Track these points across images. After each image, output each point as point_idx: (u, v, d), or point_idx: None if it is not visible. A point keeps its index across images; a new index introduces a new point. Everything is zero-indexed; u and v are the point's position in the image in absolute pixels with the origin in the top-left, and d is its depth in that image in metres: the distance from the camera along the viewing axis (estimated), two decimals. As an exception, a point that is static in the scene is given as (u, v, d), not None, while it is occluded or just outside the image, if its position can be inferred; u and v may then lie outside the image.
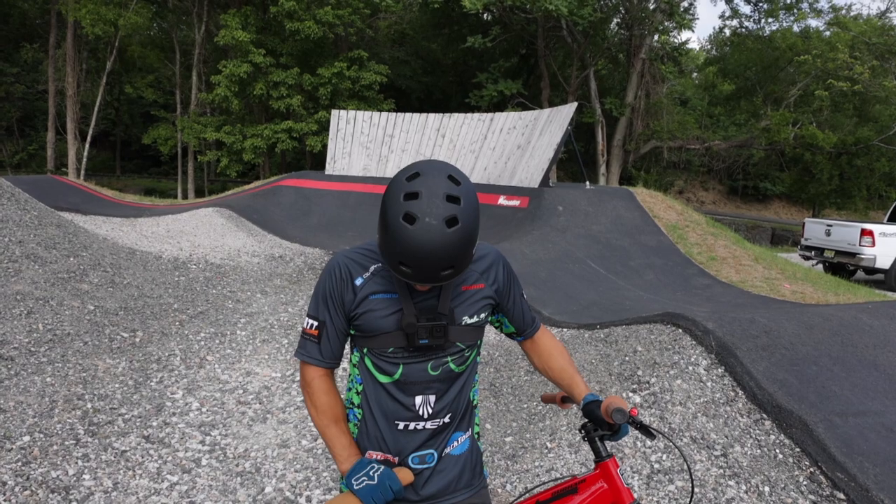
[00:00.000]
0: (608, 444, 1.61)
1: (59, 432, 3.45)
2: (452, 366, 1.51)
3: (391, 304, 1.45)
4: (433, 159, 1.40)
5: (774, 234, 25.25)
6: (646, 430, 1.47)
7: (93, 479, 3.09)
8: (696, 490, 3.13)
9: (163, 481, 3.16)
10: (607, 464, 1.58)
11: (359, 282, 1.47)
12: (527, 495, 1.71)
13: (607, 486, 1.58)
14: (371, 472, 1.41)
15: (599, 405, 1.54)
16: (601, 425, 1.55)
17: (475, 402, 1.66)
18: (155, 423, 3.74)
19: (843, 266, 12.43)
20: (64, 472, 3.11)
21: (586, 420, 1.60)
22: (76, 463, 3.20)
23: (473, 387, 1.63)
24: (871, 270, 11.99)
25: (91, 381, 4.13)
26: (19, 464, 3.10)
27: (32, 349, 4.36)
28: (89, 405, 3.81)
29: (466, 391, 1.58)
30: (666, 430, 3.51)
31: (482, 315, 1.54)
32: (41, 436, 3.38)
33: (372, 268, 1.48)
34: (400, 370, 1.48)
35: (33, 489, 2.93)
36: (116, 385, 4.15)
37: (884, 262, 11.60)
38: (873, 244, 11.58)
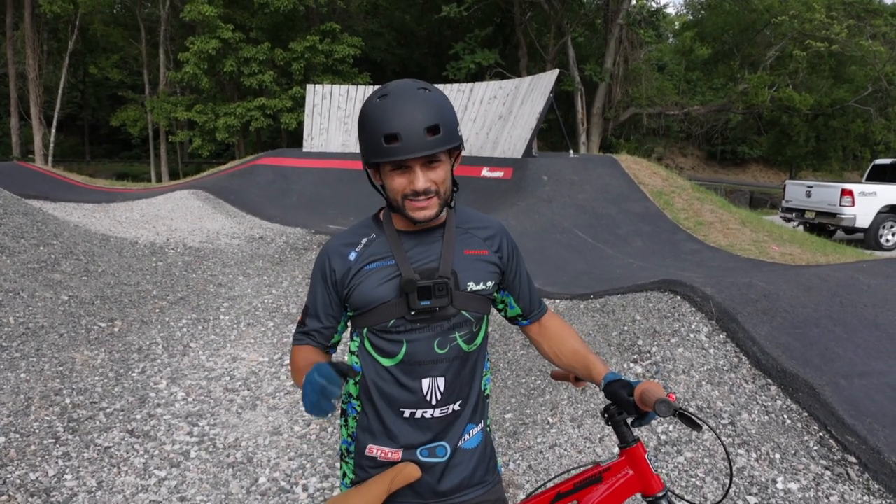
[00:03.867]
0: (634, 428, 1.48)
1: (37, 431, 3.26)
2: (461, 343, 1.38)
3: (388, 270, 1.35)
4: None
5: (753, 198, 25.38)
6: (691, 422, 1.33)
7: (75, 478, 2.92)
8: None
9: (150, 477, 3.00)
10: (634, 449, 1.46)
11: (352, 256, 1.38)
12: (548, 485, 1.58)
13: (634, 474, 1.46)
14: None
15: (624, 386, 1.40)
16: (627, 409, 1.39)
17: (487, 393, 1.52)
18: (139, 416, 3.56)
19: (823, 226, 12.52)
20: (43, 473, 2.93)
21: (609, 402, 1.45)
22: (56, 463, 3.02)
23: (485, 375, 1.50)
24: (851, 230, 12.10)
25: (69, 374, 3.93)
26: (-6, 467, 2.92)
27: (4, 344, 4.13)
28: (68, 400, 3.62)
29: (478, 378, 1.46)
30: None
31: (488, 283, 1.42)
32: (17, 436, 3.19)
33: (364, 240, 1.40)
34: (404, 349, 1.35)
35: (11, 493, 2.75)
36: (96, 378, 3.95)
37: (863, 222, 11.71)
38: (853, 204, 11.68)
